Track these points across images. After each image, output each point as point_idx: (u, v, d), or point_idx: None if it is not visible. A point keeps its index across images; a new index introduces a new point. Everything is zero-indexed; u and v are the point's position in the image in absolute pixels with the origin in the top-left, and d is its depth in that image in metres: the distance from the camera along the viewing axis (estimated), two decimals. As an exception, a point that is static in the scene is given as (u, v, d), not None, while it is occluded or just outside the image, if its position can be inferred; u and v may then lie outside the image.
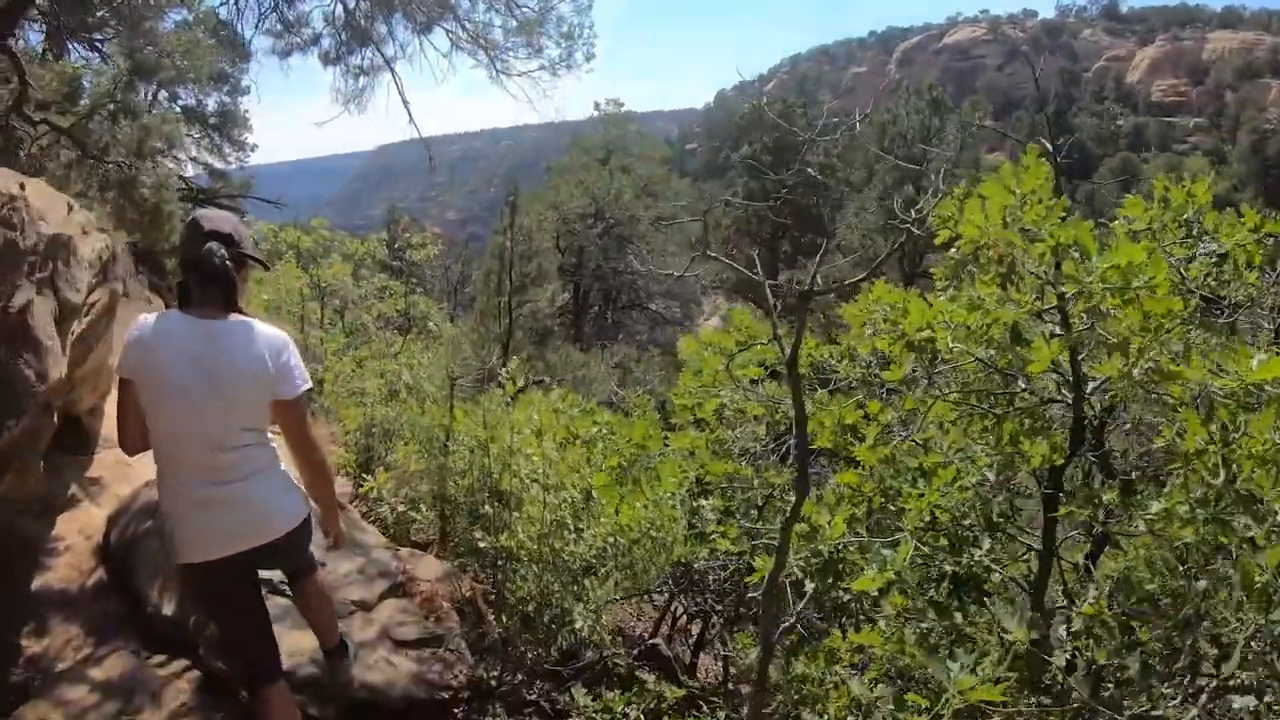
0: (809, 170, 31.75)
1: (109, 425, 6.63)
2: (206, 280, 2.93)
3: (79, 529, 5.66)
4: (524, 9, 8.27)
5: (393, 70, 8.49)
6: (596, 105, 34.50)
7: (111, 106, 8.18)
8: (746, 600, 5.47)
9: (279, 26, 8.59)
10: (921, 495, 2.95)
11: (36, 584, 4.96)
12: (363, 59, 8.70)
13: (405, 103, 8.51)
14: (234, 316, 3.00)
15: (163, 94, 21.44)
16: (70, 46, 11.68)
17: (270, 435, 3.15)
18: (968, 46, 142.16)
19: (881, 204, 25.54)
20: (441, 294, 28.94)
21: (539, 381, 13.93)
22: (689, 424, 5.24)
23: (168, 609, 4.51)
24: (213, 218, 3.10)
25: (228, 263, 2.95)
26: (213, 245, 2.93)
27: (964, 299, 2.89)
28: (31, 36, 11.64)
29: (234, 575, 3.07)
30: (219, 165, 23.17)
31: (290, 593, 3.85)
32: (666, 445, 5.99)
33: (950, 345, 3.06)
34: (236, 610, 3.17)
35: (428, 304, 16.17)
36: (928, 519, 3.03)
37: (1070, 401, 3.06)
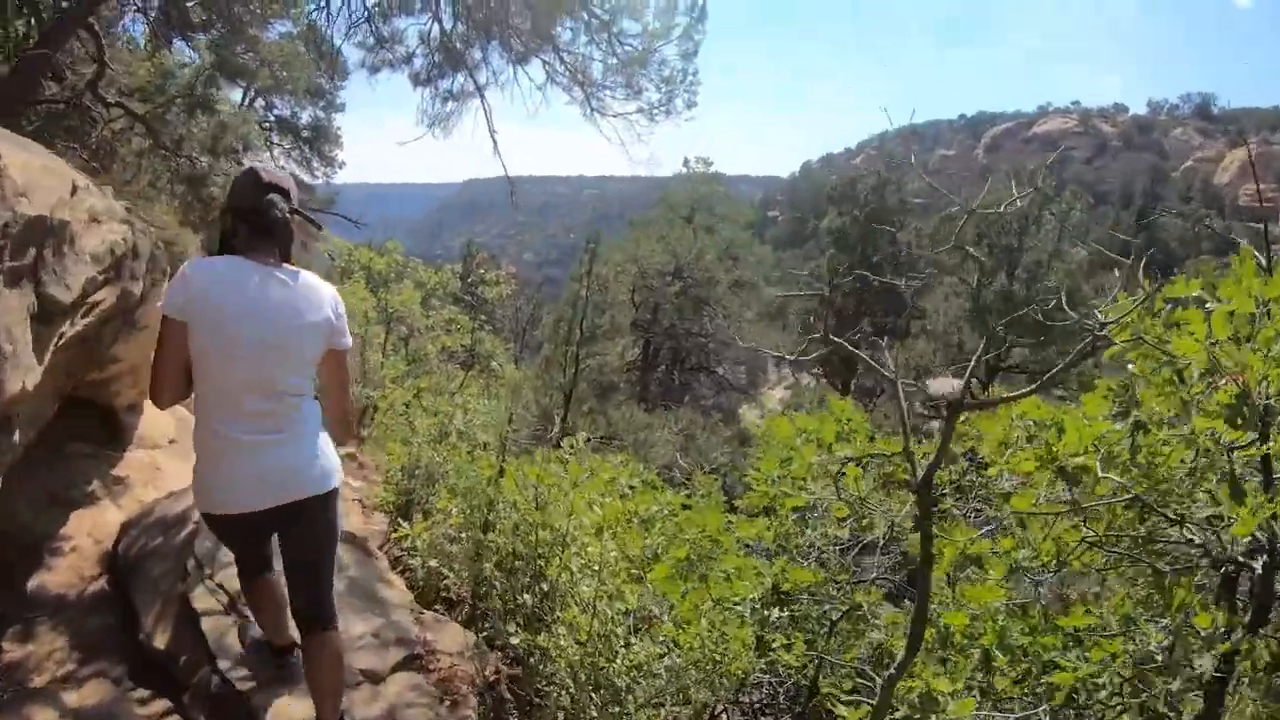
0: (901, 247, 31.23)
1: (147, 424, 6.42)
2: (264, 231, 2.99)
3: (90, 530, 5.38)
4: (627, 46, 8.03)
5: (483, 98, 8.28)
6: (686, 162, 34.35)
7: (189, 99, 8.00)
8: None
9: (371, 40, 8.41)
10: (1071, 667, 2.40)
11: (33, 583, 4.70)
12: (453, 83, 8.51)
13: (492, 133, 8.28)
14: (286, 265, 3.05)
15: (259, 101, 22.10)
16: (173, 45, 11.81)
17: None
18: (1057, 137, 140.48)
19: (969, 288, 24.61)
20: (510, 334, 28.88)
21: (601, 438, 13.52)
22: (759, 511, 4.75)
23: (160, 640, 4.14)
24: (271, 171, 3.12)
25: (287, 217, 3.05)
26: (274, 197, 3.01)
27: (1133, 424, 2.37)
28: (135, 31, 11.82)
29: (258, 532, 3.18)
30: (306, 178, 23.76)
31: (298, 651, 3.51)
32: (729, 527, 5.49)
33: (1101, 475, 2.53)
34: (253, 553, 3.37)
35: (494, 343, 15.87)
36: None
37: (1259, 569, 2.47)
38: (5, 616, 4.33)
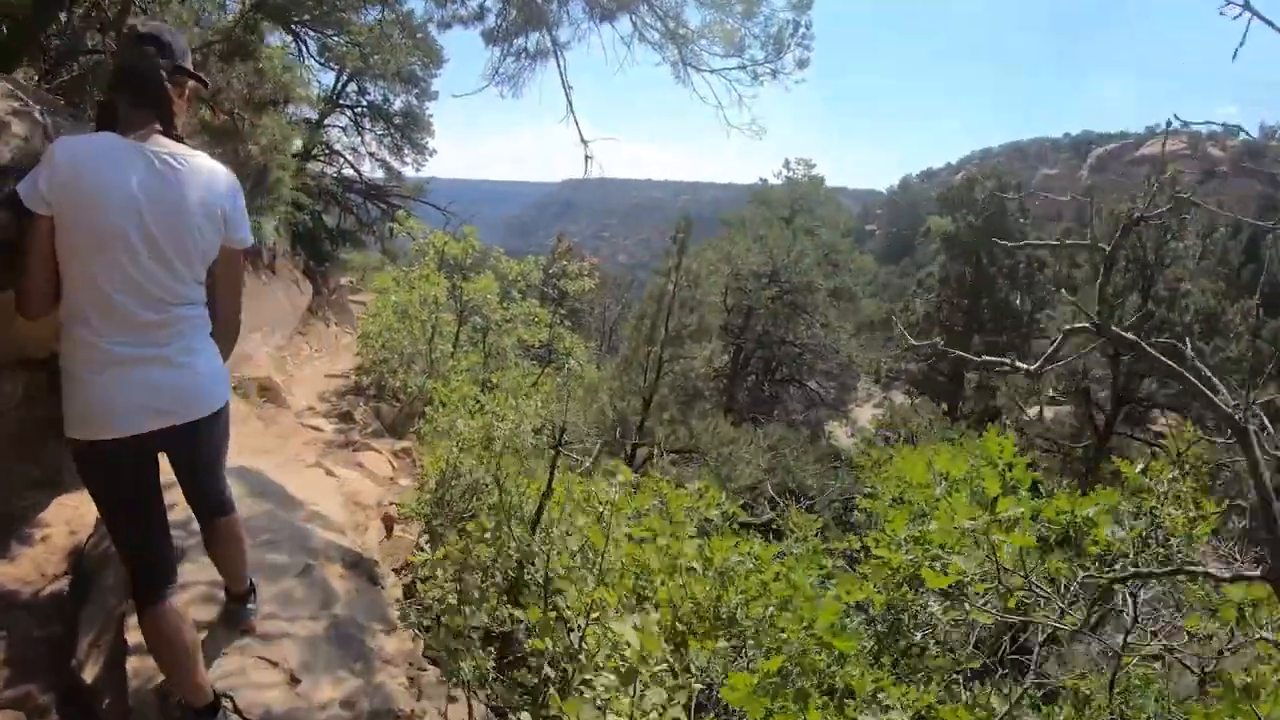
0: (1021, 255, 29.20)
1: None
2: (138, 94, 2.59)
3: (70, 519, 4.67)
4: (727, -9, 6.88)
5: (559, 55, 7.16)
6: (786, 163, 33.16)
7: (227, 44, 7.05)
8: None
9: (441, -7, 7.41)
10: None
11: (-14, 573, 3.89)
12: (528, 41, 7.46)
13: (567, 90, 7.20)
14: (172, 143, 2.61)
15: (351, 86, 21.99)
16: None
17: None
18: (1165, 160, 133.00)
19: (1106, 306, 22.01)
20: (595, 333, 28.02)
21: (681, 451, 12.44)
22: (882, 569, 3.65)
23: (90, 671, 3.37)
24: (151, 24, 2.76)
25: (161, 71, 2.61)
26: (147, 49, 2.61)
27: None
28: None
29: (143, 460, 2.68)
30: (395, 165, 23.57)
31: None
32: (828, 585, 4.42)
33: None
34: (139, 503, 2.73)
35: (573, 340, 14.97)
36: None
37: None
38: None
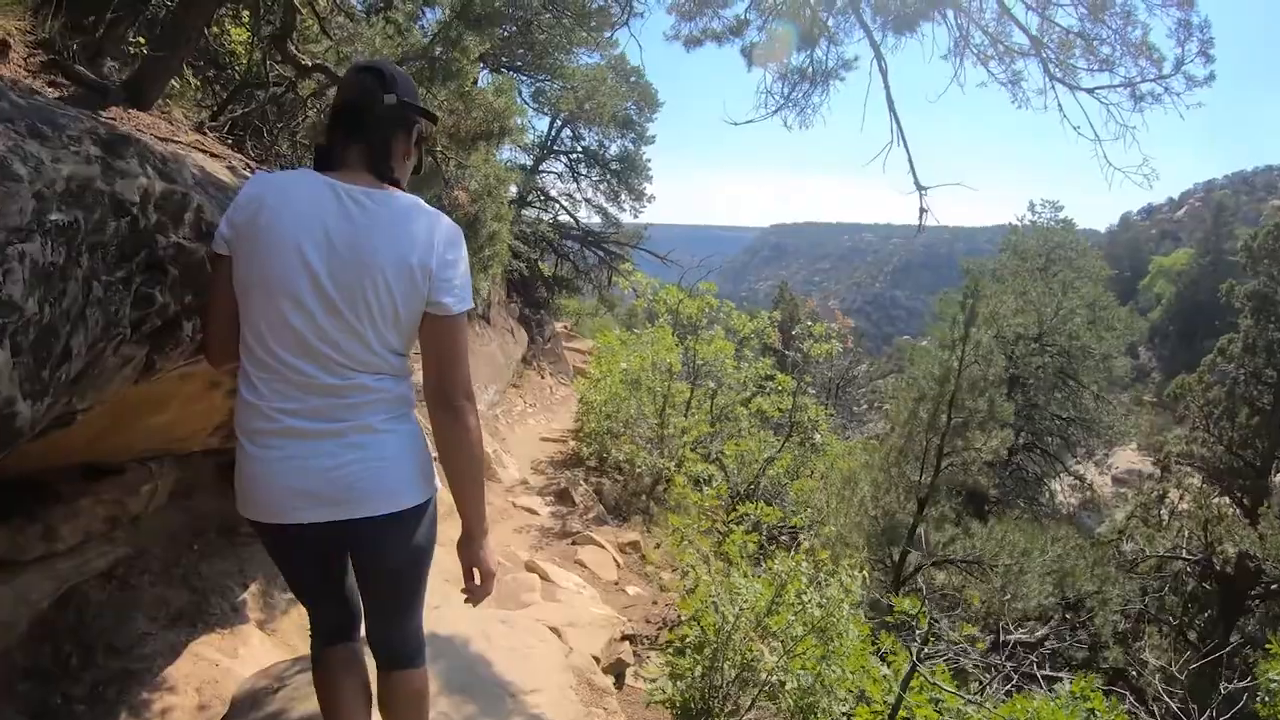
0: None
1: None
2: (351, 130, 2.20)
3: (202, 681, 3.60)
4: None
5: (882, 67, 5.32)
6: (1031, 206, 30.54)
7: (424, 63, 5.68)
8: None
9: (688, 4, 5.77)
10: None
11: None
12: (812, 57, 5.75)
13: (892, 108, 5.39)
14: (376, 184, 2.18)
15: (566, 131, 21.92)
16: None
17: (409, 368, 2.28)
18: None
19: None
20: (822, 388, 26.32)
21: (963, 563, 10.39)
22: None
23: None
24: (371, 58, 2.72)
25: (378, 103, 2.19)
26: (365, 80, 2.23)
27: None
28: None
29: (311, 553, 2.33)
30: (613, 211, 23.35)
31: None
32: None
33: None
34: (308, 589, 2.52)
35: (817, 410, 13.45)
36: None
37: None
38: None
